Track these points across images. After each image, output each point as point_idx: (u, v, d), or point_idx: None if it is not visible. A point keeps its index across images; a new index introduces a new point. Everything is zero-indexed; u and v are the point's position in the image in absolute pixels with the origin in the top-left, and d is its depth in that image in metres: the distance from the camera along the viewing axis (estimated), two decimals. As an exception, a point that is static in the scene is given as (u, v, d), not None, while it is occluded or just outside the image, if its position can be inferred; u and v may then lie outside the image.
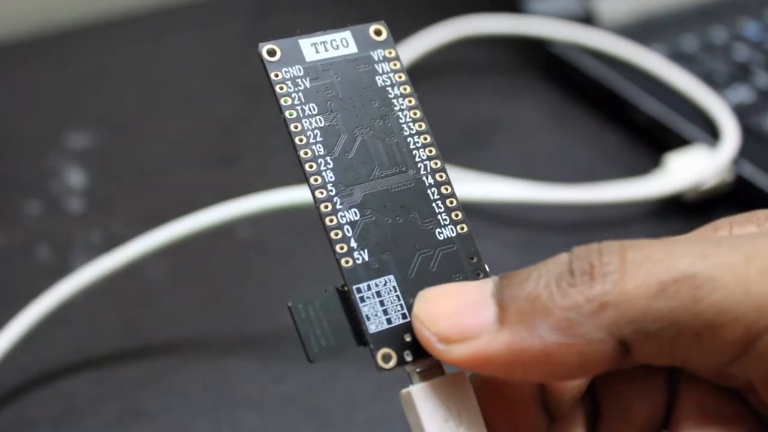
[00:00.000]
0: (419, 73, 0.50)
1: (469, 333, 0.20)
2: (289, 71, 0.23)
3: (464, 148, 0.48)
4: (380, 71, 0.24)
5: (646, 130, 0.48)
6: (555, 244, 0.43)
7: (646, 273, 0.19)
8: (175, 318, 0.40)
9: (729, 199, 0.43)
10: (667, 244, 0.20)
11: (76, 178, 0.47)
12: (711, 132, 0.45)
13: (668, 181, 0.42)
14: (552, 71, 0.54)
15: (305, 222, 0.40)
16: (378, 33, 0.24)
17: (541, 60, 0.54)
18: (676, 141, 0.45)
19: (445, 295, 0.21)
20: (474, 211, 0.43)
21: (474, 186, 0.41)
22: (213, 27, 0.62)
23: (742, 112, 0.46)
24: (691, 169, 0.42)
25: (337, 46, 0.24)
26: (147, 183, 0.48)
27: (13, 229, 0.44)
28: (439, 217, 0.23)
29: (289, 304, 0.22)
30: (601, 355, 0.19)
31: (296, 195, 0.37)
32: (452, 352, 0.20)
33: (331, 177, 0.23)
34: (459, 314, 0.20)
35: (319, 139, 0.23)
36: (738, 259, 0.19)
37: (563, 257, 0.20)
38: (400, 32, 0.50)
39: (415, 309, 0.21)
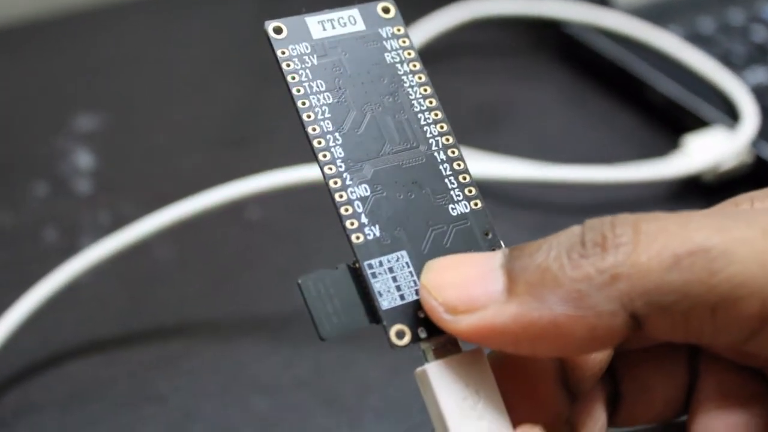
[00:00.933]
0: (432, 55, 0.50)
1: (476, 303, 0.20)
2: (296, 48, 0.23)
3: (477, 130, 0.48)
4: (389, 48, 0.24)
5: (663, 112, 0.47)
6: (571, 226, 0.43)
7: (661, 245, 0.18)
8: (183, 299, 0.40)
9: (748, 180, 0.43)
10: (683, 218, 0.19)
11: (84, 159, 0.47)
12: (729, 113, 0.44)
13: (687, 162, 0.42)
14: (566, 52, 0.53)
15: (315, 202, 0.40)
16: (386, 10, 0.24)
17: (556, 41, 0.54)
18: (694, 123, 0.45)
19: (453, 265, 0.21)
20: (488, 192, 0.43)
21: (487, 165, 0.40)
22: (222, 8, 0.61)
23: (760, 94, 0.45)
24: (709, 150, 0.42)
25: (345, 23, 0.23)
26: (155, 165, 0.47)
27: (21, 211, 0.44)
28: (452, 192, 0.23)
29: (299, 281, 0.21)
30: (612, 328, 0.19)
31: (305, 173, 0.36)
32: (459, 323, 0.20)
33: (340, 153, 0.22)
34: (467, 284, 0.20)
35: (327, 115, 0.22)
36: (755, 233, 0.19)
37: (575, 229, 0.20)
38: (413, 13, 0.49)
39: (423, 278, 0.21)
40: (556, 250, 0.19)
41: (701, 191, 0.43)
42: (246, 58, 0.55)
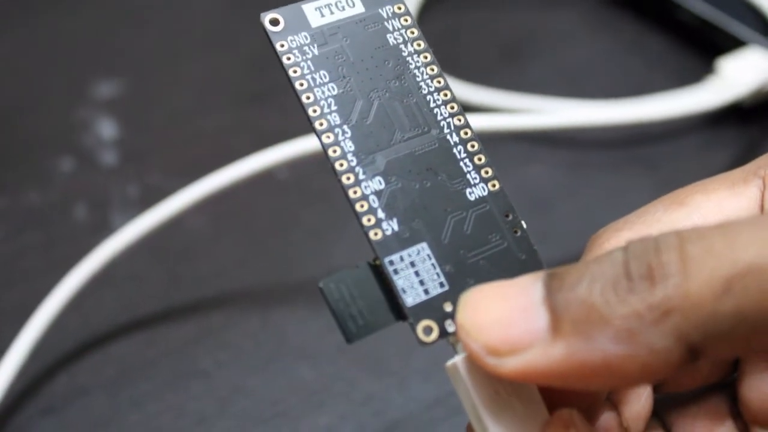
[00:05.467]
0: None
1: (520, 344, 0.18)
2: (295, 40, 0.22)
3: (503, 65, 0.47)
4: (391, 29, 0.22)
5: (695, 33, 0.45)
6: (605, 162, 0.42)
7: (709, 270, 0.17)
8: (220, 270, 0.39)
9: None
10: (728, 233, 0.18)
11: (107, 129, 0.46)
12: (765, 32, 0.42)
13: (726, 89, 0.40)
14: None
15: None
16: None
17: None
18: (728, 43, 0.43)
19: (490, 299, 0.19)
20: (519, 135, 0.42)
21: (518, 118, 0.39)
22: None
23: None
24: (747, 72, 0.40)
25: (343, 7, 0.22)
26: (180, 128, 0.46)
27: (48, 189, 0.43)
28: (468, 176, 0.22)
29: (320, 285, 0.21)
30: (667, 362, 0.18)
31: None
32: (504, 367, 0.19)
33: (350, 146, 0.21)
34: (507, 322, 0.19)
35: (333, 107, 0.22)
36: None
37: (618, 257, 0.18)
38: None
39: (459, 316, 0.19)
40: (600, 283, 0.18)
41: (739, 115, 0.41)
42: (261, 6, 0.53)
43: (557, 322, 0.18)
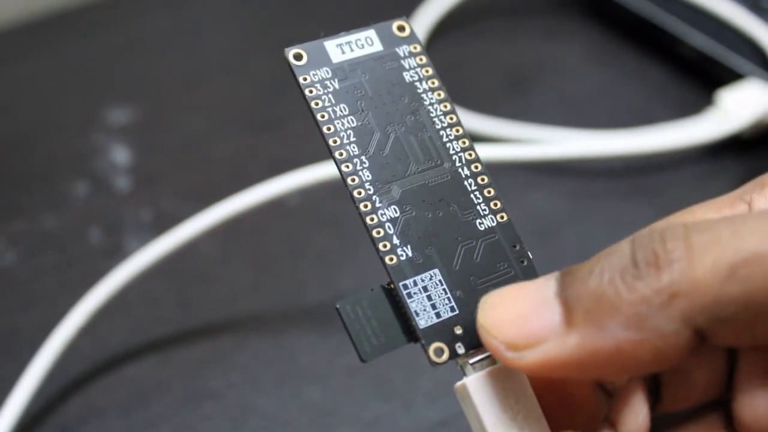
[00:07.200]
0: (457, 19, 0.49)
1: (536, 337, 0.19)
2: (317, 74, 0.23)
3: (507, 94, 0.48)
4: (407, 67, 0.24)
5: (695, 66, 0.46)
6: (607, 191, 0.43)
7: (715, 256, 0.18)
8: (231, 294, 0.40)
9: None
10: (734, 223, 0.19)
11: (120, 154, 0.47)
12: (763, 65, 0.43)
13: (725, 120, 0.41)
14: (593, 9, 0.52)
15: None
16: (401, 29, 0.24)
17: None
18: (728, 76, 0.44)
19: (508, 300, 0.20)
20: (522, 162, 0.42)
21: (521, 148, 0.40)
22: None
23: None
24: (746, 104, 0.41)
25: (362, 45, 0.24)
26: (192, 153, 0.47)
27: (64, 213, 0.44)
28: (478, 207, 0.23)
29: (337, 306, 0.22)
30: (677, 347, 0.19)
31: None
32: (523, 360, 0.20)
33: (368, 176, 0.22)
34: (524, 319, 0.20)
35: (352, 139, 0.23)
36: None
37: (624, 248, 0.19)
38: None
39: (479, 317, 0.20)
40: (608, 273, 0.19)
41: (738, 147, 0.42)
42: (274, 36, 0.55)
43: (570, 314, 0.19)
